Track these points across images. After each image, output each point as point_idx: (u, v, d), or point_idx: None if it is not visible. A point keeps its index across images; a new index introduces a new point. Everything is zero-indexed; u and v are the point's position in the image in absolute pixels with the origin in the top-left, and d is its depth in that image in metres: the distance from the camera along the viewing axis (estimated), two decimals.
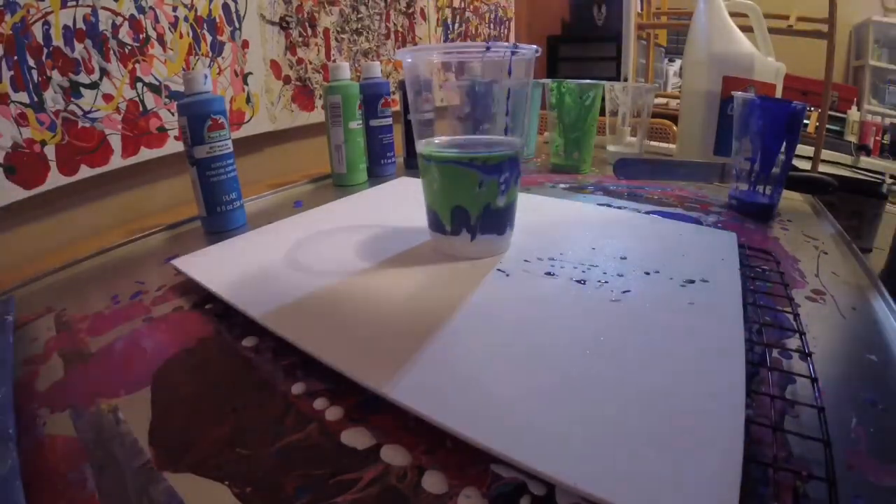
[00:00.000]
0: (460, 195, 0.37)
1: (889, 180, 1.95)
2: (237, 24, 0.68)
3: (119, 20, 0.53)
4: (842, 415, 0.24)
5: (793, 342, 0.30)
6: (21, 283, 0.41)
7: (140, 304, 0.37)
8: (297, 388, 0.27)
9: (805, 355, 0.28)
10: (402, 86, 0.79)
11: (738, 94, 0.54)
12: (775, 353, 0.29)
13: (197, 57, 0.63)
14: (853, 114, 2.26)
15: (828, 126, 1.64)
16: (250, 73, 0.70)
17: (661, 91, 2.37)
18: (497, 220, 0.39)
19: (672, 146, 0.89)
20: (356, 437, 0.23)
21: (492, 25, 1.34)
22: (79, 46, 0.50)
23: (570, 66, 2.21)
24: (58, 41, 0.48)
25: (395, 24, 0.98)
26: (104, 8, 0.52)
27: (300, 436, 0.24)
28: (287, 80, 0.77)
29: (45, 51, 0.47)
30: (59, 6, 0.48)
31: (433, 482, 0.21)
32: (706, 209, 0.56)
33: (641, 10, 1.99)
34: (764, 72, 0.70)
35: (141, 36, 0.56)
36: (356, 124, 0.66)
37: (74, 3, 0.49)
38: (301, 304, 0.33)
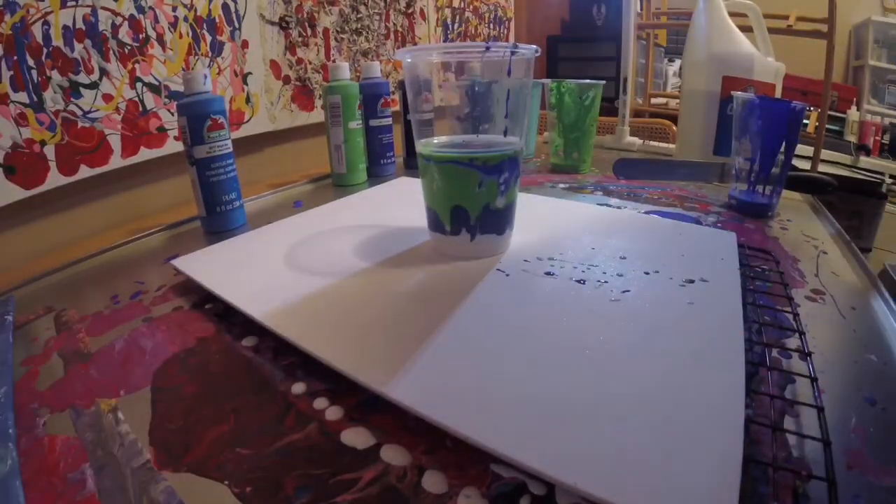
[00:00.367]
0: (460, 195, 0.37)
1: (889, 180, 1.95)
2: (237, 24, 0.68)
3: (119, 20, 0.53)
4: (841, 415, 0.24)
5: (792, 342, 0.30)
6: (21, 283, 0.41)
7: (140, 304, 0.37)
8: (297, 388, 0.27)
9: (805, 355, 0.28)
10: (401, 86, 0.79)
11: (737, 94, 0.54)
12: (775, 352, 0.29)
13: (196, 57, 0.63)
14: (853, 114, 2.26)
15: (827, 126, 1.64)
16: (250, 73, 0.70)
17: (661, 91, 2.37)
18: (497, 220, 0.39)
19: (672, 146, 0.89)
20: (356, 437, 0.23)
21: (491, 25, 1.34)
22: (78, 46, 0.50)
23: (570, 66, 2.21)
24: (57, 41, 0.48)
25: (394, 24, 0.98)
26: (104, 8, 0.52)
27: (300, 436, 0.24)
28: (287, 80, 0.77)
29: (45, 51, 0.47)
30: (58, 6, 0.48)
31: (433, 482, 0.21)
32: (706, 209, 0.56)
33: (641, 10, 1.99)
34: (763, 72, 0.70)
35: (140, 36, 0.56)
36: (356, 124, 0.66)
37: (74, 3, 0.49)
38: (301, 304, 0.33)
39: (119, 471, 0.22)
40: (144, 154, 0.58)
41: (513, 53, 0.35)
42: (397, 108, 0.78)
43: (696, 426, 0.22)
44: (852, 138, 2.20)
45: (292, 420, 0.25)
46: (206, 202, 0.50)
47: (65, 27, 0.49)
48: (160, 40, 0.58)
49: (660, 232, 0.46)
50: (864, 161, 2.12)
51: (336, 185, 0.69)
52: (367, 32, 0.91)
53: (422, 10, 1.06)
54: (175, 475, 0.22)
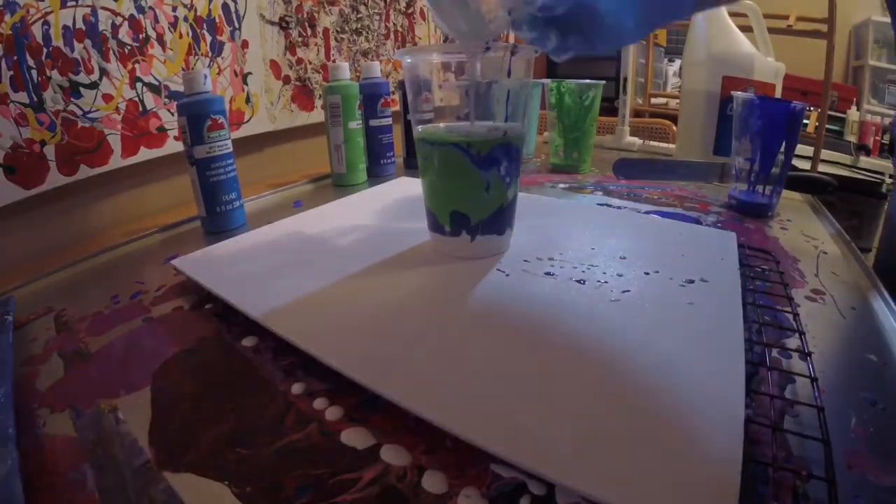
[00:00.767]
0: (459, 196, 0.37)
1: (889, 180, 1.95)
2: (237, 24, 0.68)
3: (119, 20, 0.53)
4: (841, 414, 0.24)
5: (792, 342, 0.30)
6: (21, 283, 0.41)
7: (140, 304, 0.37)
8: (297, 388, 0.27)
9: (804, 355, 0.28)
10: (401, 86, 0.79)
11: (737, 94, 0.54)
12: (775, 352, 0.29)
13: (196, 57, 0.63)
14: (853, 114, 2.25)
15: (827, 126, 1.64)
16: (250, 73, 0.70)
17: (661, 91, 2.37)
18: (497, 220, 0.38)
19: (672, 146, 0.89)
20: (356, 437, 0.23)
21: None
22: (78, 46, 0.50)
23: (570, 66, 2.21)
24: (57, 41, 0.48)
25: (394, 23, 0.98)
26: (104, 8, 0.52)
27: (300, 436, 0.24)
28: (287, 80, 0.77)
29: (45, 51, 0.47)
30: (58, 6, 0.48)
31: (433, 482, 0.21)
32: (706, 209, 0.56)
33: None
34: (763, 72, 0.70)
35: (140, 36, 0.56)
36: (356, 124, 0.66)
37: (74, 3, 0.49)
38: (301, 304, 0.33)
39: (119, 471, 0.22)
40: (144, 154, 0.58)
41: (513, 54, 0.35)
42: (397, 108, 0.78)
43: (697, 426, 0.22)
44: (852, 138, 2.20)
45: (292, 420, 0.25)
46: (206, 202, 0.50)
47: (65, 27, 0.49)
48: (160, 40, 0.58)
49: (660, 232, 0.46)
50: (864, 161, 2.12)
51: (336, 185, 0.69)
52: (367, 32, 0.91)
53: (422, 10, 1.06)
54: (175, 475, 0.22)
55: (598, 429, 0.22)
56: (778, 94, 0.73)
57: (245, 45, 0.69)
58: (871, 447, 0.22)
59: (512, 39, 1.45)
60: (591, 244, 0.42)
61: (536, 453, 0.20)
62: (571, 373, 0.26)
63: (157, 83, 0.58)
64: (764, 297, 0.35)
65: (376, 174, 0.72)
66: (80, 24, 0.50)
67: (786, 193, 0.56)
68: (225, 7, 0.65)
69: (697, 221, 0.52)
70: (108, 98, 0.53)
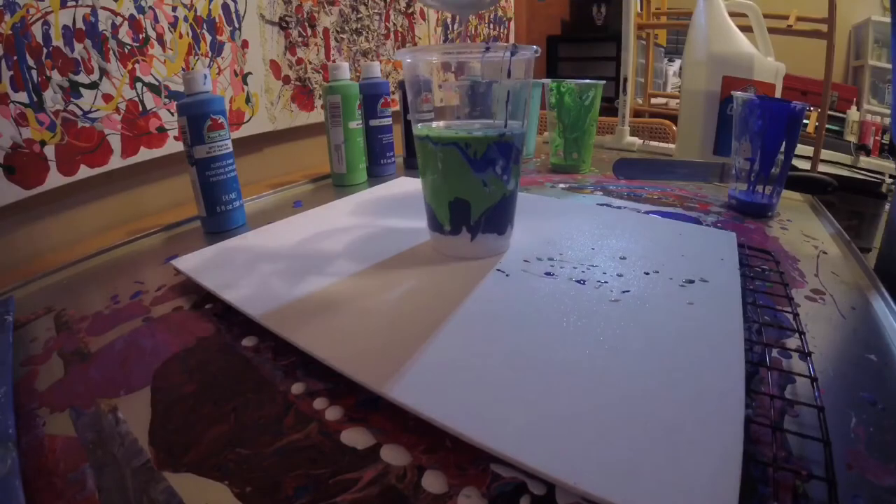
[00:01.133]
0: (459, 184, 0.37)
1: (889, 180, 1.95)
2: (237, 24, 0.68)
3: (119, 20, 0.53)
4: (841, 415, 0.24)
5: (792, 342, 0.30)
6: (21, 283, 0.41)
7: (140, 304, 0.37)
8: (297, 388, 0.27)
9: (805, 355, 0.28)
10: (401, 86, 0.79)
11: (737, 93, 0.54)
12: (775, 352, 0.29)
13: (196, 57, 0.63)
14: (853, 114, 2.26)
15: (827, 126, 1.64)
16: (250, 73, 0.70)
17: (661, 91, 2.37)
18: (497, 217, 0.38)
19: (672, 146, 0.89)
20: (356, 437, 0.23)
21: (491, 25, 1.34)
22: (78, 46, 0.50)
23: (570, 66, 2.21)
24: (57, 41, 0.48)
25: (394, 23, 0.98)
26: (104, 8, 0.52)
27: (300, 436, 0.24)
28: (287, 80, 0.77)
29: (45, 51, 0.47)
30: (58, 6, 0.48)
31: (433, 482, 0.21)
32: (706, 209, 0.56)
33: (641, 10, 1.99)
34: (763, 72, 0.70)
35: (140, 36, 0.56)
36: (356, 124, 0.66)
37: (74, 3, 0.49)
38: (301, 304, 0.33)
39: (119, 471, 0.22)
40: (144, 154, 0.58)
41: (513, 54, 0.35)
42: (397, 108, 0.78)
43: (697, 426, 0.22)
44: (852, 138, 2.20)
45: (292, 420, 0.25)
46: (206, 202, 0.50)
47: (65, 27, 0.49)
48: (160, 40, 0.58)
49: (660, 232, 0.46)
50: (864, 161, 2.12)
51: (336, 185, 0.69)
52: (367, 32, 0.91)
53: (422, 10, 1.06)
54: (175, 475, 0.22)
55: (598, 429, 0.22)
56: (778, 94, 0.73)
57: (245, 45, 0.69)
58: (871, 447, 0.22)
59: (512, 39, 1.45)
60: (591, 244, 0.42)
61: (536, 453, 0.20)
62: (571, 373, 0.26)
63: (157, 83, 0.58)
64: (764, 297, 0.35)
65: (376, 174, 0.72)
66: (80, 24, 0.50)
67: (786, 193, 0.56)
68: (225, 7, 0.65)
69: (697, 221, 0.52)
70: (108, 98, 0.53)
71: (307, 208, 0.54)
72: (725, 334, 0.28)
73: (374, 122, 0.70)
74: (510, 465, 0.21)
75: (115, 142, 0.55)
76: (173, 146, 0.61)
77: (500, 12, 1.36)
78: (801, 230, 0.51)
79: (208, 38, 0.64)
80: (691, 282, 0.35)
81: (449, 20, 1.16)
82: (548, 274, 0.37)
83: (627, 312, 0.31)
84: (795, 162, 0.55)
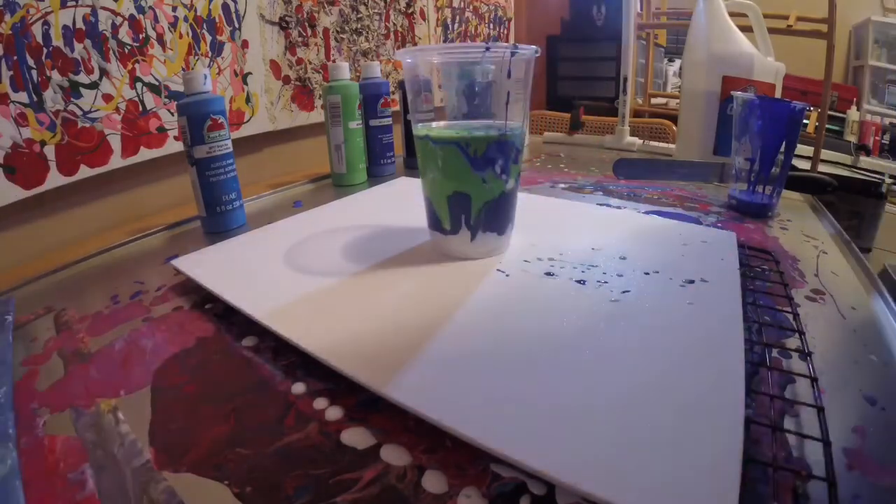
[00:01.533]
0: (458, 180, 0.37)
1: (889, 180, 1.95)
2: (237, 24, 0.68)
3: (119, 20, 0.53)
4: (841, 415, 0.24)
5: (792, 342, 0.30)
6: (21, 283, 0.41)
7: (140, 304, 0.37)
8: (297, 388, 0.27)
9: (805, 355, 0.28)
10: (401, 86, 0.79)
11: (737, 93, 0.54)
12: (775, 352, 0.29)
13: (196, 57, 0.63)
14: (853, 114, 2.26)
15: (827, 126, 1.64)
16: (250, 73, 0.70)
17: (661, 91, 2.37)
18: (496, 217, 0.38)
19: (672, 146, 0.89)
20: (356, 437, 0.23)
21: (491, 25, 1.34)
22: (78, 46, 0.50)
23: (570, 66, 2.21)
24: (57, 41, 0.48)
25: (394, 23, 0.98)
26: (104, 8, 0.52)
27: (300, 436, 0.24)
28: (287, 80, 0.77)
29: (45, 51, 0.47)
30: (58, 6, 0.48)
31: (433, 482, 0.21)
32: (706, 209, 0.56)
33: (641, 10, 1.99)
34: (764, 72, 0.70)
35: (140, 36, 0.56)
36: (356, 124, 0.66)
37: (74, 3, 0.49)
38: (301, 304, 0.33)
39: (119, 471, 0.22)
40: (144, 154, 0.58)
41: (513, 54, 0.35)
42: (397, 108, 0.78)
43: (696, 426, 0.22)
44: (852, 138, 2.20)
45: (292, 420, 0.25)
46: (206, 202, 0.50)
47: (65, 27, 0.49)
48: (160, 40, 0.58)
49: (660, 232, 0.46)
50: (864, 161, 2.12)
51: (336, 185, 0.69)
52: (367, 32, 0.91)
53: (422, 10, 1.06)
54: (175, 475, 0.22)
55: (598, 429, 0.22)
56: (778, 94, 0.73)
57: (245, 45, 0.69)
58: (871, 447, 0.22)
59: (512, 39, 1.45)
60: (591, 244, 0.42)
61: (536, 453, 0.20)
62: (572, 373, 0.26)
63: (157, 83, 0.58)
64: (764, 297, 0.35)
65: (376, 174, 0.72)
66: (80, 24, 0.50)
67: (786, 193, 0.56)
68: (225, 7, 0.65)
69: (697, 221, 0.52)
70: (108, 98, 0.53)
71: (307, 208, 0.54)
72: (725, 334, 0.28)
73: (374, 122, 0.70)
74: (510, 465, 0.21)
75: (115, 142, 0.55)
76: (173, 146, 0.60)
77: (500, 12, 1.36)
78: (801, 230, 0.51)
79: (208, 38, 0.64)
80: (691, 282, 0.35)
81: (449, 20, 1.16)
82: (548, 274, 0.37)
83: (627, 312, 0.31)
84: (795, 162, 0.55)
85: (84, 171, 0.52)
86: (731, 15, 0.71)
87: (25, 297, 0.39)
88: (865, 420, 0.24)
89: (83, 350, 0.31)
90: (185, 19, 0.61)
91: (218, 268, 0.39)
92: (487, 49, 0.35)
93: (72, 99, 0.50)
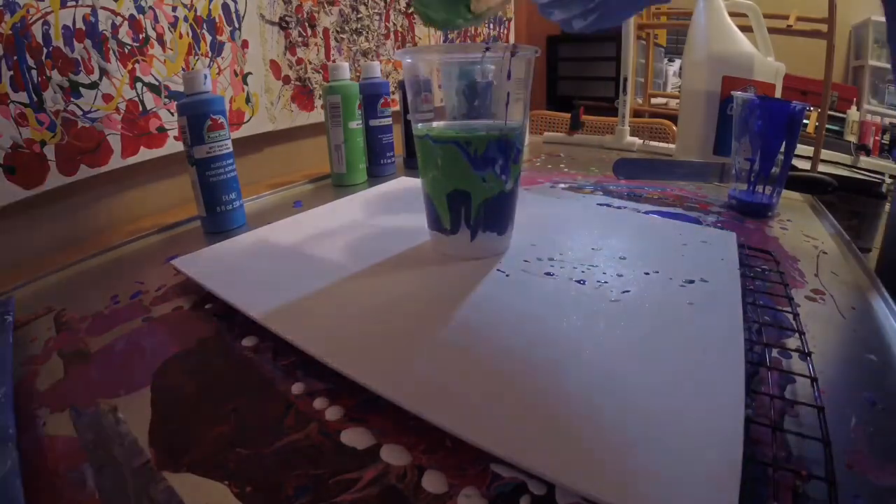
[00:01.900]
0: (458, 179, 0.37)
1: (889, 180, 1.95)
2: (237, 24, 0.68)
3: (119, 20, 0.53)
4: (841, 415, 0.24)
5: (792, 342, 0.30)
6: (21, 283, 0.41)
7: (140, 304, 0.37)
8: (297, 388, 0.27)
9: (805, 355, 0.28)
10: (401, 86, 0.79)
11: (737, 93, 0.54)
12: (775, 352, 0.29)
13: (196, 57, 0.63)
14: (853, 114, 2.25)
15: (827, 126, 1.64)
16: (250, 73, 0.70)
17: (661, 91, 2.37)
18: (496, 216, 0.38)
19: (672, 146, 0.89)
20: (356, 437, 0.23)
21: (491, 25, 1.34)
22: (78, 46, 0.50)
23: (570, 66, 2.21)
24: (57, 41, 0.48)
25: (394, 23, 0.98)
26: (104, 8, 0.52)
27: (300, 436, 0.24)
28: (287, 80, 0.77)
29: (45, 51, 0.47)
30: (58, 6, 0.48)
31: (433, 482, 0.21)
32: (706, 209, 0.56)
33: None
34: (764, 72, 0.70)
35: (140, 36, 0.56)
36: (356, 124, 0.66)
37: (74, 3, 0.49)
38: (301, 304, 0.33)
39: (119, 471, 0.22)
40: (144, 154, 0.58)
41: (513, 54, 0.35)
42: (397, 108, 0.78)
43: (697, 426, 0.22)
44: (852, 138, 2.20)
45: (292, 420, 0.25)
46: (206, 202, 0.50)
47: (65, 27, 0.49)
48: (160, 40, 0.58)
49: (660, 232, 0.46)
50: (864, 161, 2.12)
51: (336, 185, 0.69)
52: (367, 32, 0.91)
53: None
54: (175, 475, 0.22)
55: (599, 429, 0.22)
56: (778, 94, 0.73)
57: (245, 45, 0.69)
58: (871, 447, 0.22)
59: (512, 39, 1.45)
60: (591, 244, 0.42)
61: (536, 453, 0.20)
62: (571, 373, 0.26)
63: (157, 83, 0.58)
64: (764, 297, 0.35)
65: (376, 174, 0.72)
66: (80, 24, 0.50)
67: (786, 193, 0.56)
68: (225, 7, 0.65)
69: (697, 221, 0.52)
70: (108, 98, 0.53)
71: (307, 208, 0.54)
72: (725, 334, 0.28)
73: (374, 122, 0.70)
74: (510, 465, 0.21)
75: (115, 142, 0.55)
76: (173, 146, 0.60)
77: (500, 12, 1.36)
78: (801, 230, 0.51)
79: (208, 38, 0.64)
80: (691, 282, 0.35)
81: None
82: (548, 274, 0.37)
83: (627, 312, 0.31)
84: (795, 162, 0.55)
85: (84, 171, 0.52)
86: (731, 15, 0.71)
87: (25, 297, 0.39)
88: (865, 420, 0.24)
89: (83, 350, 0.31)
90: (185, 19, 0.61)
91: (218, 268, 0.39)
92: (487, 49, 0.35)
93: (72, 99, 0.50)
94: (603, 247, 0.41)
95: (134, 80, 0.56)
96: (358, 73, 0.88)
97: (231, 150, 0.51)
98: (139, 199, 0.61)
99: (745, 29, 0.73)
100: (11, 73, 0.45)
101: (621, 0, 0.33)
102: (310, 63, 0.80)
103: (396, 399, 0.24)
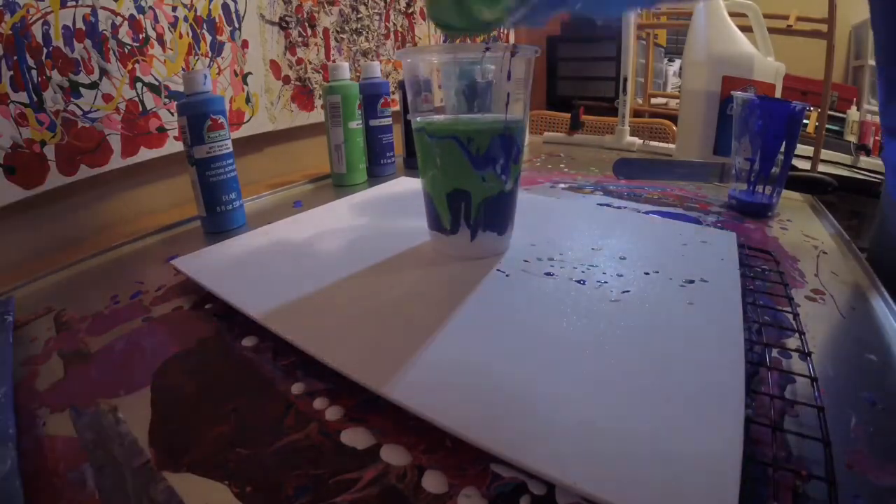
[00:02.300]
0: (458, 179, 0.37)
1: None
2: (237, 24, 0.68)
3: (119, 20, 0.53)
4: (841, 415, 0.24)
5: (792, 342, 0.30)
6: (21, 283, 0.41)
7: (140, 304, 0.37)
8: (297, 388, 0.27)
9: (804, 355, 0.28)
10: (401, 86, 0.79)
11: (737, 93, 0.54)
12: (775, 352, 0.29)
13: (196, 57, 0.63)
14: (853, 114, 2.25)
15: (827, 126, 1.64)
16: (250, 73, 0.70)
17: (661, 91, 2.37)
18: (496, 215, 0.38)
19: (672, 146, 0.89)
20: (356, 437, 0.23)
21: None
22: (78, 46, 0.50)
23: (570, 66, 2.21)
24: (57, 41, 0.48)
25: (394, 23, 0.98)
26: (104, 8, 0.52)
27: (300, 436, 0.24)
28: (287, 80, 0.77)
29: (45, 51, 0.47)
30: (58, 6, 0.48)
31: (433, 482, 0.21)
32: (706, 209, 0.56)
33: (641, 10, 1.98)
34: (764, 72, 0.70)
35: (140, 36, 0.56)
36: (356, 124, 0.66)
37: (74, 3, 0.49)
38: (301, 304, 0.33)
39: (119, 471, 0.22)
40: (144, 154, 0.58)
41: (513, 54, 0.35)
42: (397, 108, 0.78)
43: (697, 426, 0.22)
44: (852, 138, 2.20)
45: (292, 420, 0.25)
46: (206, 202, 0.50)
47: (65, 27, 0.49)
48: (160, 40, 0.58)
49: (660, 232, 0.46)
50: (864, 161, 2.12)
51: (336, 185, 0.69)
52: (367, 32, 0.91)
53: (422, 9, 1.06)
54: (175, 475, 0.22)
55: (599, 429, 0.22)
56: (778, 94, 0.73)
57: (245, 45, 0.69)
58: (871, 447, 0.22)
59: (512, 39, 1.45)
60: (591, 244, 0.42)
61: (536, 453, 0.20)
62: (571, 373, 0.26)
63: (157, 83, 0.58)
64: (764, 297, 0.35)
65: (376, 174, 0.72)
66: (80, 24, 0.50)
67: (786, 193, 0.56)
68: (225, 7, 0.65)
69: (697, 221, 0.52)
70: (108, 98, 0.53)
71: (307, 208, 0.54)
72: (725, 334, 0.28)
73: (374, 122, 0.70)
74: (510, 465, 0.21)
75: (115, 142, 0.55)
76: (173, 146, 0.60)
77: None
78: (801, 230, 0.51)
79: (208, 38, 0.64)
80: (691, 282, 0.35)
81: None
82: (548, 274, 0.37)
83: (627, 312, 0.31)
84: (795, 162, 0.55)
85: (84, 171, 0.52)
86: (731, 15, 0.71)
87: (25, 297, 0.39)
88: (865, 420, 0.24)
89: (83, 350, 0.31)
90: (185, 19, 0.61)
91: (218, 268, 0.39)
92: (487, 49, 0.35)
93: (72, 99, 0.50)
94: (603, 247, 0.41)
95: (134, 80, 0.56)
96: (358, 73, 0.88)
97: (231, 150, 0.51)
98: (139, 199, 0.61)
99: (745, 29, 0.73)
100: (11, 73, 0.45)
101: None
102: (310, 63, 0.80)
103: (396, 399, 0.24)
